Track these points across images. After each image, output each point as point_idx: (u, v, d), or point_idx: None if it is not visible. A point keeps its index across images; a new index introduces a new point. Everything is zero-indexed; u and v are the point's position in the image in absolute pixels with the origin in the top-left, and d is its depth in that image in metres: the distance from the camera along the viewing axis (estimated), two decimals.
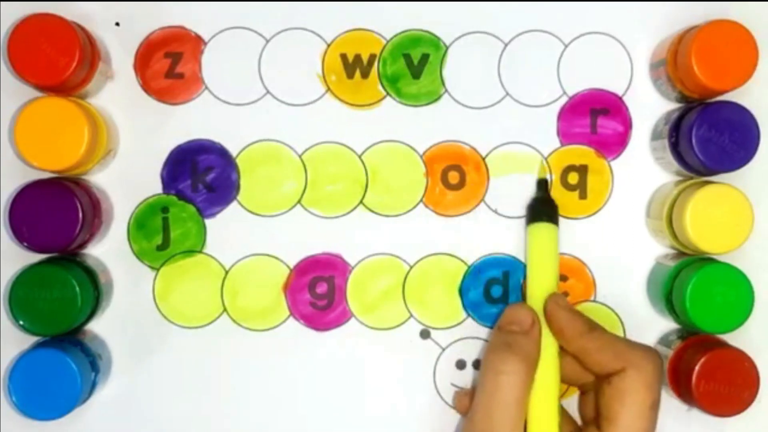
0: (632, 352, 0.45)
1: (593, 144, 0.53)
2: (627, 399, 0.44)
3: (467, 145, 0.53)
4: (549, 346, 0.47)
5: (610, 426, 0.44)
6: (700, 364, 0.48)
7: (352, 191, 0.53)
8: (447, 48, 0.53)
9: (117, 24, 0.52)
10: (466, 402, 0.50)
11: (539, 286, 0.49)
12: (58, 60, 0.47)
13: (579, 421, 0.50)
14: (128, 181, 0.52)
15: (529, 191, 0.52)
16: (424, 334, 0.53)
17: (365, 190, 0.53)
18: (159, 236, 0.52)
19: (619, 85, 0.53)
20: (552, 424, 0.46)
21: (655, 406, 0.45)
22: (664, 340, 0.52)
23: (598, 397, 0.46)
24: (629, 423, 0.44)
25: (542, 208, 0.51)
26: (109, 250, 0.52)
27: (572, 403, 0.51)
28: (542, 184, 0.52)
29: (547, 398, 0.46)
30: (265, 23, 0.52)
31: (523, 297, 0.52)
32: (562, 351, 0.48)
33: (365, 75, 0.53)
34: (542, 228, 0.50)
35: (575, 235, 0.52)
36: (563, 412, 0.48)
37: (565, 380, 0.48)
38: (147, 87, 0.52)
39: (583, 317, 0.47)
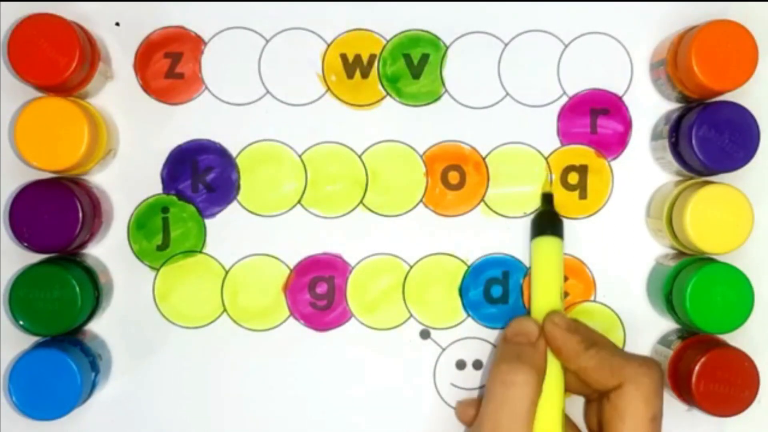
0: (629, 368, 0.45)
1: (593, 144, 0.53)
2: (626, 415, 0.44)
3: (467, 145, 0.53)
4: (553, 357, 0.47)
5: None
6: (700, 364, 0.48)
7: (352, 191, 0.53)
8: (447, 48, 0.53)
9: (117, 24, 0.52)
10: (471, 412, 0.50)
11: (543, 300, 0.49)
12: (58, 60, 0.47)
13: (584, 430, 0.49)
14: (128, 181, 0.52)
15: (529, 191, 0.52)
16: (424, 334, 0.53)
17: (365, 190, 0.53)
18: (159, 236, 0.52)
19: (619, 85, 0.53)
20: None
21: (655, 419, 0.45)
22: (664, 340, 0.52)
23: (600, 412, 0.46)
24: None
25: (547, 222, 0.51)
26: (109, 250, 0.52)
27: (575, 409, 0.50)
28: (547, 198, 0.52)
29: (551, 410, 0.46)
30: (265, 23, 0.52)
31: (524, 302, 0.52)
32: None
33: (365, 75, 0.53)
34: (547, 242, 0.50)
35: (575, 235, 0.52)
36: (568, 421, 0.48)
37: (571, 391, 0.48)
38: (147, 87, 0.52)
39: (581, 334, 0.47)
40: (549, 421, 0.46)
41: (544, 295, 0.49)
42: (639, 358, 0.46)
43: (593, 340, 0.47)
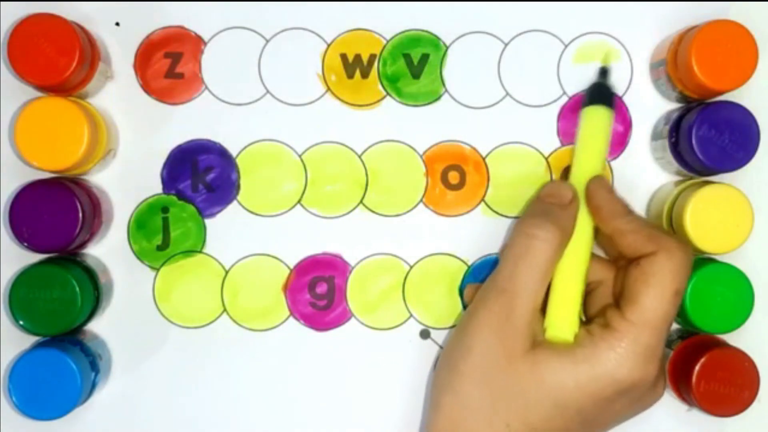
0: (665, 238, 0.45)
1: None
2: (652, 281, 0.44)
3: (467, 145, 0.53)
4: (585, 225, 0.46)
5: (632, 305, 0.44)
6: (700, 364, 0.48)
7: (352, 191, 0.53)
8: (447, 48, 0.53)
9: (117, 24, 0.52)
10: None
11: (584, 166, 0.48)
12: (58, 60, 0.47)
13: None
14: (128, 181, 0.52)
15: (528, 191, 0.52)
16: (424, 334, 0.53)
17: (365, 190, 0.53)
18: (159, 236, 0.52)
19: (619, 85, 0.53)
20: (576, 298, 0.46)
21: (679, 294, 0.44)
22: None
23: (624, 278, 0.46)
24: (650, 305, 0.44)
25: (601, 92, 0.49)
26: (109, 250, 0.52)
27: None
28: (603, 72, 0.50)
29: (575, 273, 0.46)
30: (265, 23, 0.52)
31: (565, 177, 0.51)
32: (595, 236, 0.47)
33: (365, 75, 0.53)
34: (598, 111, 0.48)
35: None
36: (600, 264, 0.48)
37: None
38: (147, 87, 0.52)
39: (622, 201, 0.47)
40: (570, 283, 0.46)
41: (587, 160, 0.48)
42: (675, 234, 0.45)
43: (632, 210, 0.46)
